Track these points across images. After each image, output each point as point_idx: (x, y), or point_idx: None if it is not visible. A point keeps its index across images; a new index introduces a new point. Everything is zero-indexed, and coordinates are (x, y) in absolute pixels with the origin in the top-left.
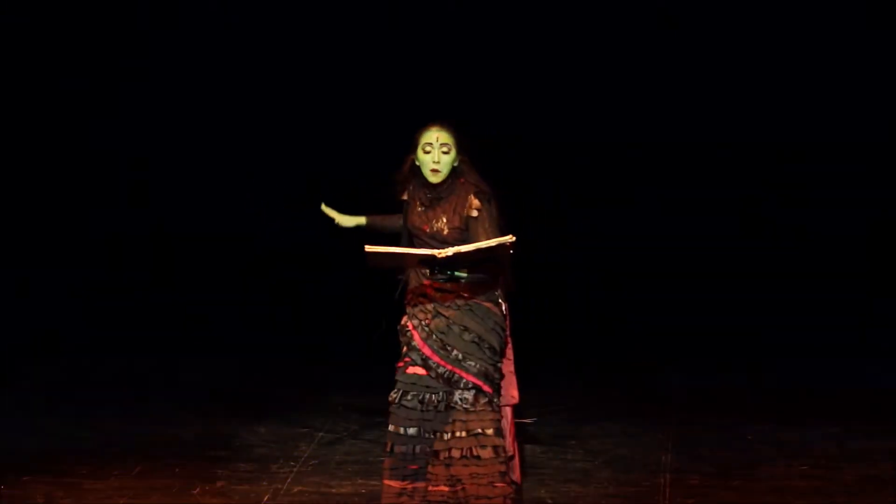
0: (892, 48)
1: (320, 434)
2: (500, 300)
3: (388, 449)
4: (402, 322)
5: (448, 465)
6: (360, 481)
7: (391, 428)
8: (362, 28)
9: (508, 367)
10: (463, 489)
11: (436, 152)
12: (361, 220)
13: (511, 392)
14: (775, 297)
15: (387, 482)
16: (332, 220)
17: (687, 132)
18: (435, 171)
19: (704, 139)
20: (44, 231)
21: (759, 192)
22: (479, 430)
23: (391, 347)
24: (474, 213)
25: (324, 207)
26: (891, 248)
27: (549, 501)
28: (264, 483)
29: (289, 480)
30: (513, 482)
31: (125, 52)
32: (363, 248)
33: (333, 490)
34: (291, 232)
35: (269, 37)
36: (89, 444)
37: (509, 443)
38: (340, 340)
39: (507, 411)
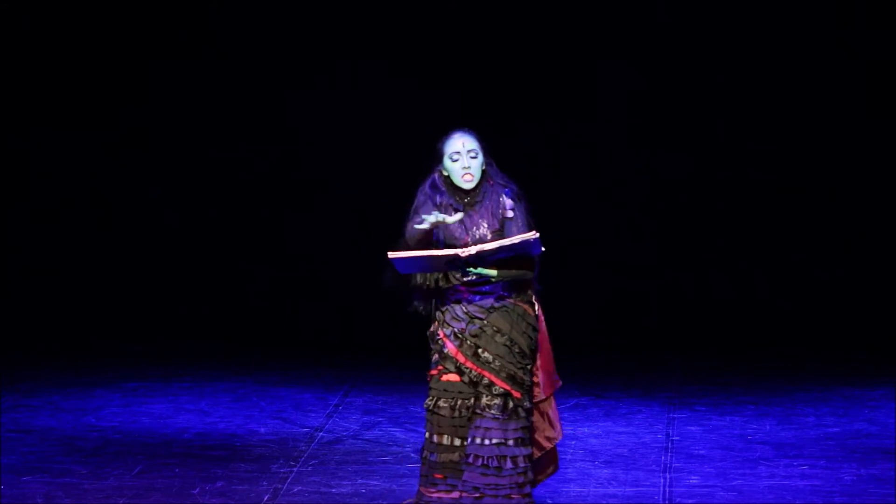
0: (893, 48)
1: (320, 434)
2: (533, 300)
3: (422, 455)
4: (432, 329)
5: (465, 469)
6: (360, 481)
7: (426, 435)
8: (363, 28)
9: (548, 356)
10: (480, 498)
11: (464, 158)
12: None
13: (553, 379)
14: (775, 298)
15: (421, 489)
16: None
17: (686, 132)
18: (467, 176)
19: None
20: (44, 231)
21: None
22: (503, 441)
23: (390, 346)
24: (510, 214)
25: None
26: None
27: (549, 501)
28: (264, 483)
29: (289, 480)
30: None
31: (125, 51)
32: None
33: (333, 490)
34: (291, 232)
35: (270, 37)
36: (89, 444)
37: (558, 429)
38: (342, 339)
39: (551, 399)
